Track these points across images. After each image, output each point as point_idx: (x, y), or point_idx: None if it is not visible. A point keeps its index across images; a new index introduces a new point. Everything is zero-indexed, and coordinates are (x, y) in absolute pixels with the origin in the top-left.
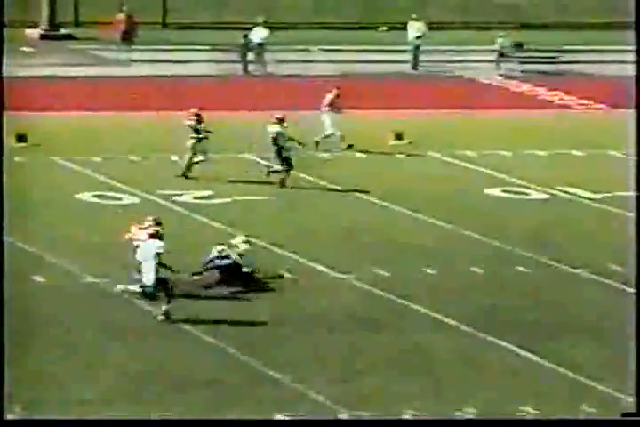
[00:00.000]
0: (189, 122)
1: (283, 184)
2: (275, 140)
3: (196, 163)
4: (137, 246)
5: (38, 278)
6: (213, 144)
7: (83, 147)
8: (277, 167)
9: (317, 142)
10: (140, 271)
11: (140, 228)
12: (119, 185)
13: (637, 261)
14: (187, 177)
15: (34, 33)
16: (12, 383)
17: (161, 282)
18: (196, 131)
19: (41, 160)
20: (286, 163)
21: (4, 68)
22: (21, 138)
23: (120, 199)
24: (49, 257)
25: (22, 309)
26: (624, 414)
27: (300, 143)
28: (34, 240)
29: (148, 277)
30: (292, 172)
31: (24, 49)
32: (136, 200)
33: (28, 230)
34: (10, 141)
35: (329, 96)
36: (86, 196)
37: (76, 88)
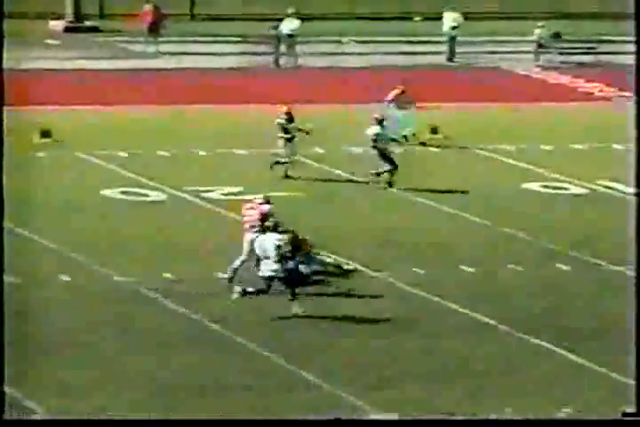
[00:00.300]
0: (280, 120)
1: (390, 185)
2: (375, 142)
3: (280, 163)
4: (251, 226)
5: (64, 277)
6: (243, 139)
7: (108, 142)
8: (385, 168)
9: (405, 137)
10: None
11: (250, 208)
12: (146, 181)
13: (637, 255)
14: (288, 176)
15: (58, 25)
16: (34, 389)
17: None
18: (285, 130)
19: (65, 156)
20: (391, 162)
21: (27, 61)
22: (45, 133)
23: (147, 196)
24: (74, 255)
25: (48, 309)
26: (624, 414)
27: (393, 139)
28: (58, 238)
29: (273, 269)
30: (324, 167)
31: (48, 42)
32: (163, 197)
33: (53, 228)
34: (34, 137)
35: (394, 92)
36: (112, 192)
37: (102, 82)
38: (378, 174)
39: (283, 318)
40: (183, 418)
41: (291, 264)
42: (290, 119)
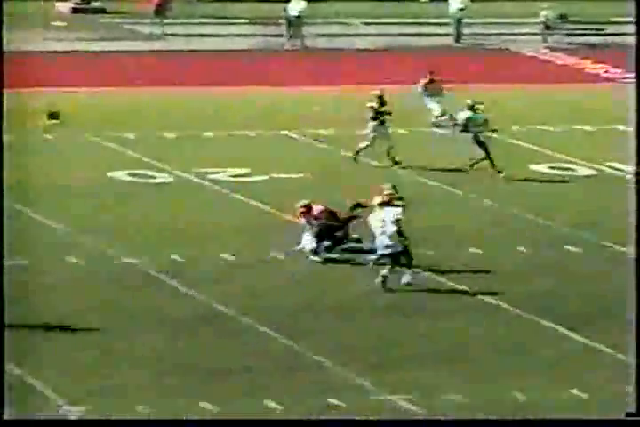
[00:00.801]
0: (371, 104)
1: (499, 171)
2: (465, 127)
3: (364, 148)
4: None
5: (71, 259)
6: (248, 120)
7: (116, 124)
8: (479, 156)
9: (437, 124)
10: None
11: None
12: (153, 163)
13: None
14: (355, 159)
15: (65, 7)
16: (40, 369)
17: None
18: (378, 113)
19: (73, 138)
20: (485, 148)
21: (36, 43)
22: (53, 115)
23: (154, 177)
24: (81, 237)
25: (55, 290)
26: (627, 414)
27: (493, 130)
28: (66, 220)
29: (391, 245)
30: (330, 148)
31: (55, 24)
32: (170, 179)
33: (60, 209)
34: (41, 119)
35: (422, 81)
36: (119, 174)
37: (109, 63)
38: (472, 165)
39: (286, 302)
40: (189, 419)
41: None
42: (382, 103)
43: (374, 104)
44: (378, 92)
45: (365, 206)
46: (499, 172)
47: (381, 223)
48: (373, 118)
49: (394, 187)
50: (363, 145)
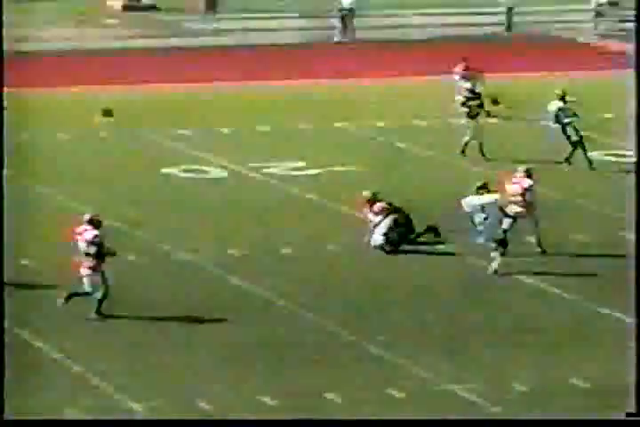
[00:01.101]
0: (459, 97)
1: (567, 160)
2: (557, 118)
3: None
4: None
5: (128, 256)
6: (302, 113)
7: (170, 120)
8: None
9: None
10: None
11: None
12: (207, 158)
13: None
14: (485, 156)
15: (116, 4)
16: (107, 367)
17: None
18: (465, 105)
19: (127, 134)
20: (573, 142)
21: (86, 41)
22: (107, 113)
23: (208, 173)
24: (137, 233)
25: (113, 287)
26: (627, 414)
27: (575, 114)
28: (121, 217)
29: (493, 230)
30: (384, 140)
31: (107, 21)
32: (224, 173)
33: (116, 207)
34: (95, 117)
35: (457, 70)
36: (174, 170)
37: (161, 60)
38: (587, 158)
39: (351, 288)
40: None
41: (506, 224)
42: (472, 96)
43: (462, 98)
44: (469, 85)
45: (439, 234)
46: (567, 160)
47: (482, 210)
48: (467, 112)
49: (527, 170)
50: (468, 139)
